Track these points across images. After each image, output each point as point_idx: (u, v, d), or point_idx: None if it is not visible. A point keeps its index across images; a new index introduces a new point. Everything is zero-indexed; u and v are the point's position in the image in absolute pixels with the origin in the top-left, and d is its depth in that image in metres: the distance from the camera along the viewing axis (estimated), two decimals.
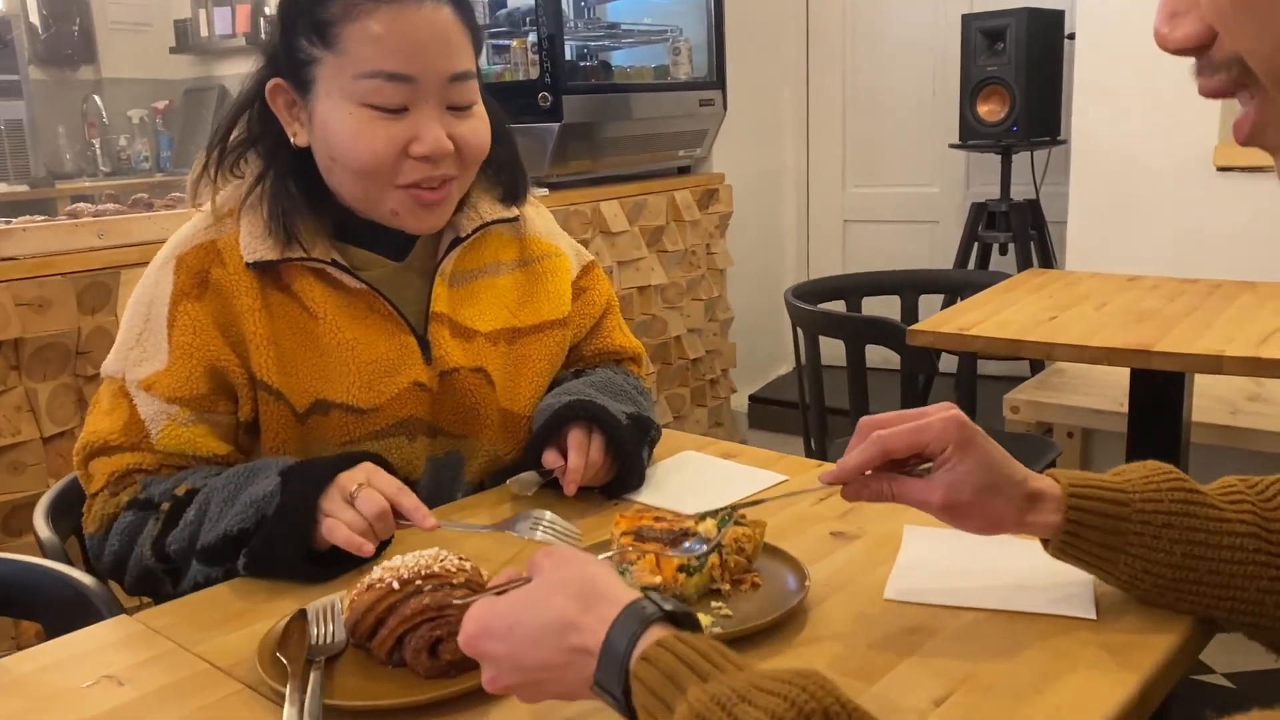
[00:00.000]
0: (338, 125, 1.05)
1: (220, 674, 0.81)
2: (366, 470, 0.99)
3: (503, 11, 3.04)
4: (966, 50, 3.13)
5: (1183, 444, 1.95)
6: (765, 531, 0.92)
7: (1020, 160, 3.27)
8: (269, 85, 1.08)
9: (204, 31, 4.64)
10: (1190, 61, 0.48)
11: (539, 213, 1.30)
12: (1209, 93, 0.48)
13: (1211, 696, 2.05)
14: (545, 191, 2.77)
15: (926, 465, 0.80)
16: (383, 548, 0.96)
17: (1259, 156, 2.44)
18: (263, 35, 4.33)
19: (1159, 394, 1.90)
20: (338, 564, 0.95)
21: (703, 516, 0.89)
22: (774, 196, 3.95)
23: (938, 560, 0.93)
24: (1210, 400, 2.41)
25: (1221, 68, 0.46)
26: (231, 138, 1.12)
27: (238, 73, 1.14)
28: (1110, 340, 1.73)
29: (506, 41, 2.95)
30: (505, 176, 1.22)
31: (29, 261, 1.77)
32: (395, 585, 0.79)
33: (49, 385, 1.79)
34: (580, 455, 1.09)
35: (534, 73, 2.81)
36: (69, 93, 4.47)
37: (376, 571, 0.81)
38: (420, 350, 1.12)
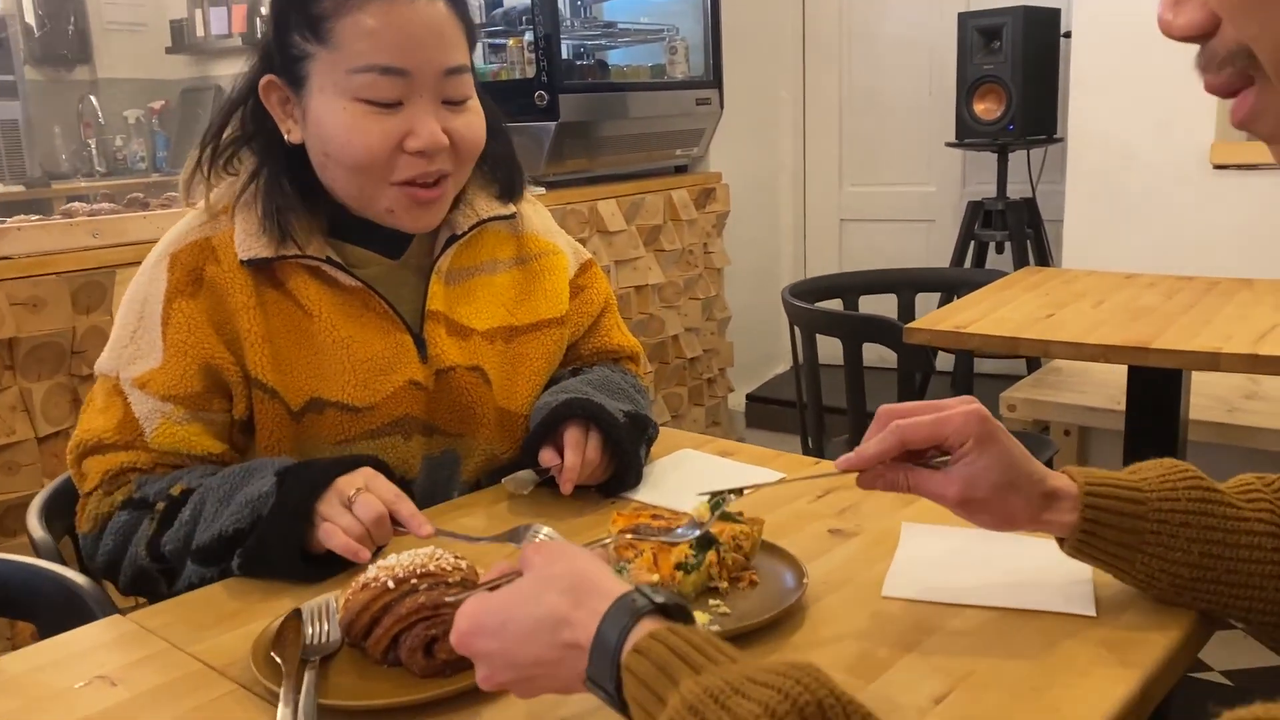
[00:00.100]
0: (331, 121, 1.04)
1: (214, 674, 0.80)
2: (365, 475, 0.98)
3: (499, 10, 3.03)
4: (963, 49, 3.13)
5: (1180, 442, 1.95)
6: (763, 529, 0.92)
7: (1017, 159, 3.27)
8: (262, 82, 1.08)
9: (200, 31, 4.62)
10: (1191, 58, 0.48)
11: (536, 210, 1.29)
12: (1215, 90, 0.47)
13: (1210, 694, 2.05)
14: (542, 190, 2.76)
15: (944, 458, 0.80)
16: (377, 551, 0.96)
17: (1255, 154, 2.43)
18: (259, 35, 4.31)
19: (1156, 391, 1.89)
20: (332, 564, 0.95)
21: (711, 496, 0.88)
22: (771, 195, 3.95)
23: (936, 557, 0.92)
24: (1207, 398, 2.40)
25: (1226, 61, 0.46)
26: (225, 135, 1.11)
27: (234, 73, 1.13)
28: (1107, 338, 1.73)
29: (503, 40, 2.95)
30: (501, 173, 1.22)
31: (23, 261, 1.76)
32: (390, 584, 0.79)
33: (44, 385, 1.79)
34: (577, 454, 1.09)
35: (530, 71, 2.80)
36: (65, 93, 4.46)
37: (371, 570, 0.81)
38: (416, 348, 1.12)
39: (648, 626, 0.59)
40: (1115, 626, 0.79)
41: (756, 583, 0.88)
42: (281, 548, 0.93)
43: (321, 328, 1.08)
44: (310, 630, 0.82)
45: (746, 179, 3.65)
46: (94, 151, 4.45)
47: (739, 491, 0.89)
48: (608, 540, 0.87)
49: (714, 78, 3.33)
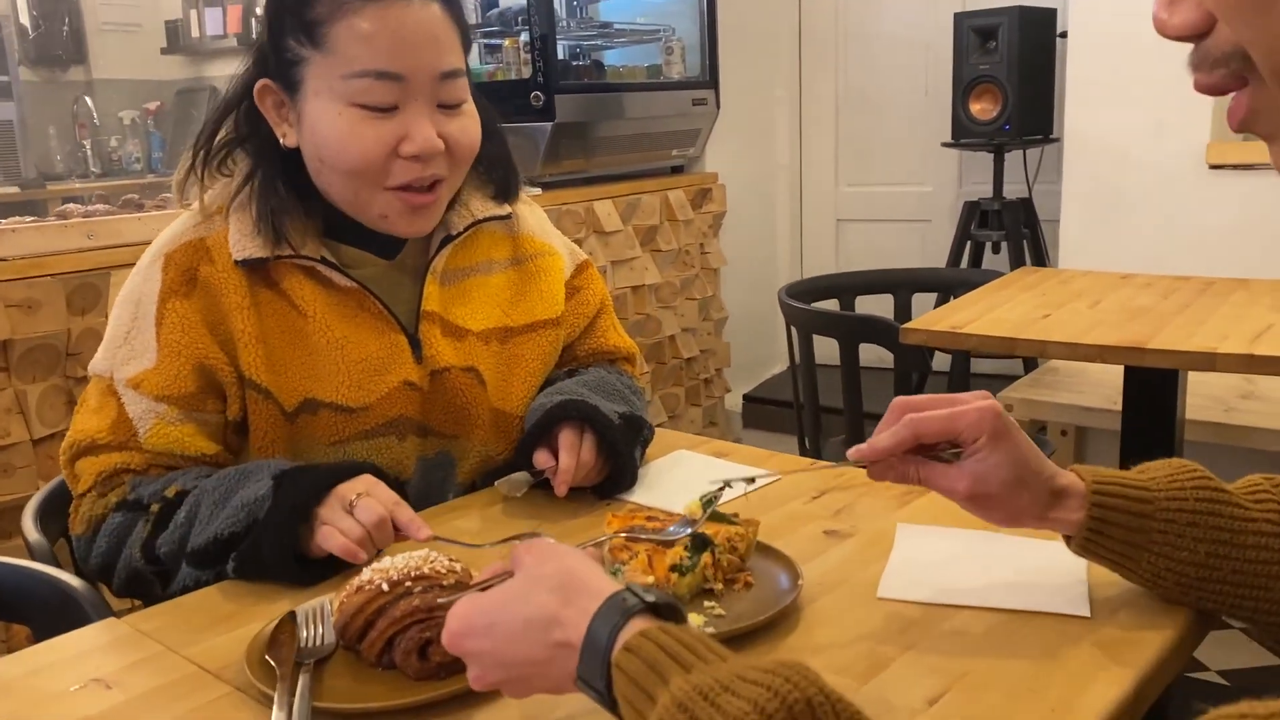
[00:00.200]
0: (327, 125, 1.04)
1: (209, 677, 0.80)
2: (366, 482, 0.98)
3: (494, 11, 3.03)
4: (959, 49, 3.13)
5: (1177, 442, 1.95)
6: (758, 530, 0.92)
7: (1013, 159, 3.27)
8: (257, 86, 1.07)
9: (195, 32, 4.62)
10: (1186, 54, 0.48)
11: (532, 211, 1.29)
12: (1205, 89, 0.47)
13: (1206, 694, 2.06)
14: (538, 191, 2.76)
15: (955, 450, 0.80)
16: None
17: (1251, 154, 2.43)
18: (254, 36, 4.31)
19: (1152, 392, 1.89)
20: (326, 567, 0.95)
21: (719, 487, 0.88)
22: (767, 196, 3.95)
23: (932, 559, 0.92)
24: (1204, 398, 2.41)
25: (1220, 63, 0.46)
26: (219, 137, 1.11)
27: (229, 74, 1.13)
28: (1103, 338, 1.73)
29: (499, 41, 2.95)
30: (497, 174, 1.21)
31: (18, 263, 1.76)
32: (385, 587, 0.79)
33: (38, 387, 1.78)
34: (571, 455, 1.08)
35: (526, 72, 2.80)
36: (59, 93, 4.46)
37: (366, 573, 0.81)
38: (411, 349, 1.12)
39: (638, 625, 0.59)
40: (1110, 627, 0.79)
41: (751, 584, 0.88)
42: (277, 551, 0.93)
43: (316, 328, 1.08)
44: (305, 633, 0.82)
45: (743, 179, 3.65)
46: (89, 152, 4.44)
47: (750, 480, 0.89)
48: (602, 539, 0.88)
49: (710, 78, 3.33)
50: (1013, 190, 3.24)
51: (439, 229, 1.16)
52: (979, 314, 1.96)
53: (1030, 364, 2.99)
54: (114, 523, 1.03)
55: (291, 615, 0.84)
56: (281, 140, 1.08)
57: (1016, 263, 3.09)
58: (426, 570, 0.80)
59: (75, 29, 4.45)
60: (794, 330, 2.29)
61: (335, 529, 0.93)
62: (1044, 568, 0.88)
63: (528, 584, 0.65)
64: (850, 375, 2.11)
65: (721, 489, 0.90)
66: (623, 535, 0.88)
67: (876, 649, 0.78)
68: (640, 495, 1.13)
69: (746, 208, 3.71)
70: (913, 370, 2.10)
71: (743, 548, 0.89)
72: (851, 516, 1.04)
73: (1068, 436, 2.75)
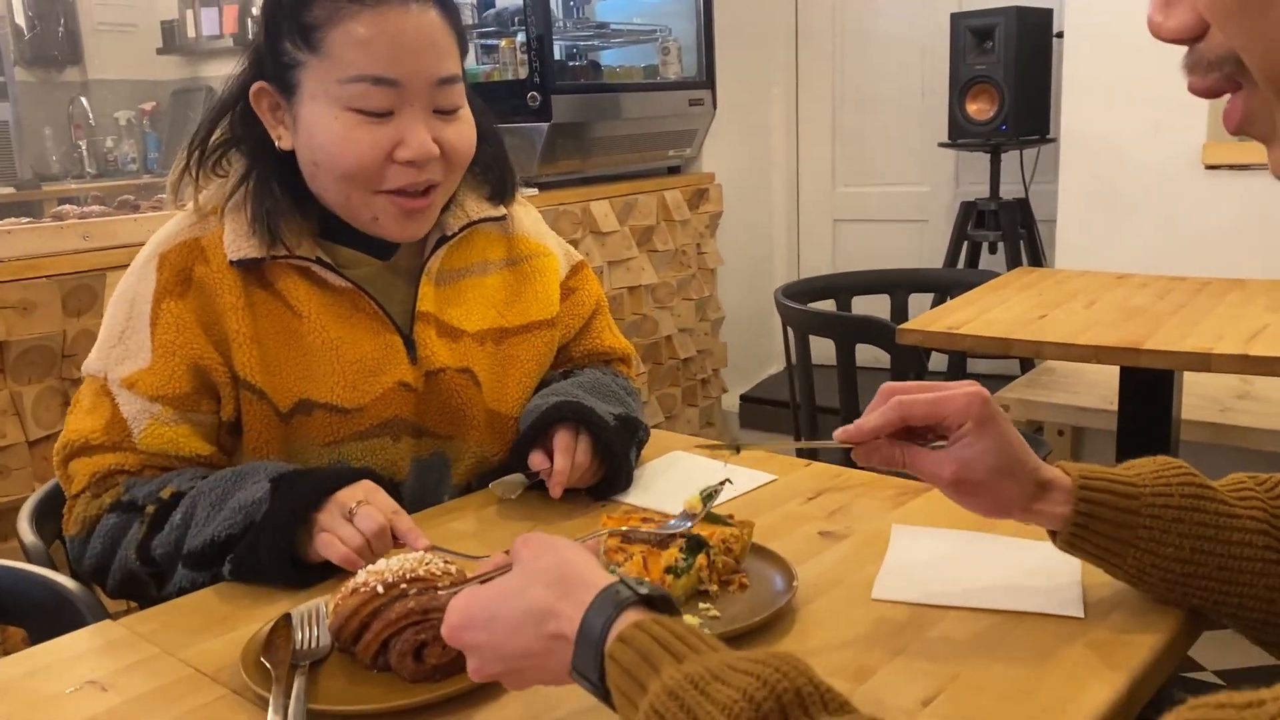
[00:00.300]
0: (322, 130, 1.04)
1: (205, 679, 0.80)
2: (366, 489, 0.98)
3: (491, 11, 3.03)
4: (955, 49, 3.13)
5: (1173, 442, 1.96)
6: (753, 532, 0.92)
7: (1009, 159, 3.27)
8: (253, 88, 1.07)
9: (191, 32, 4.61)
10: (1180, 55, 0.48)
11: (527, 212, 1.29)
12: (1199, 92, 0.48)
13: (1201, 694, 2.05)
14: (534, 191, 2.76)
15: (942, 443, 0.79)
16: None
17: (1247, 154, 2.44)
18: (250, 36, 4.31)
19: (1148, 392, 1.90)
20: (322, 570, 0.95)
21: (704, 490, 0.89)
22: (764, 196, 3.95)
23: (927, 560, 0.92)
24: (1199, 398, 2.41)
25: (1214, 66, 0.46)
26: (213, 138, 1.11)
27: (225, 74, 1.13)
28: (1099, 338, 1.73)
29: (495, 41, 2.95)
30: (493, 175, 1.21)
31: (14, 264, 1.76)
32: (380, 589, 0.79)
33: (34, 389, 1.78)
34: (566, 457, 1.08)
35: (523, 72, 2.80)
36: (55, 94, 4.45)
37: (361, 575, 0.81)
38: (406, 350, 1.12)
39: (631, 617, 0.60)
40: (1103, 628, 0.79)
41: (747, 586, 0.88)
42: (273, 555, 0.93)
43: (311, 328, 1.08)
44: (300, 635, 0.82)
45: (739, 179, 3.65)
46: (85, 153, 4.44)
47: (719, 486, 0.90)
48: (601, 531, 0.88)
49: (707, 78, 3.33)
50: (1009, 190, 3.24)
51: (434, 229, 1.16)
52: (975, 314, 1.97)
53: (1027, 364, 2.99)
54: (108, 524, 1.02)
55: (287, 617, 0.84)
56: (277, 143, 1.08)
57: (1013, 263, 3.09)
58: (422, 572, 0.80)
59: (71, 29, 4.44)
60: (790, 330, 2.29)
61: (335, 536, 0.93)
62: (1038, 569, 0.88)
63: (525, 578, 0.66)
64: (847, 375, 2.11)
65: (723, 483, 0.90)
66: (621, 530, 0.88)
67: (871, 650, 0.78)
68: (635, 497, 1.13)
69: (743, 208, 3.71)
70: (909, 371, 2.10)
71: (738, 549, 0.89)
72: (847, 518, 1.04)
73: (1064, 436, 2.75)
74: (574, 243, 2.39)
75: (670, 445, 1.28)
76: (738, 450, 0.90)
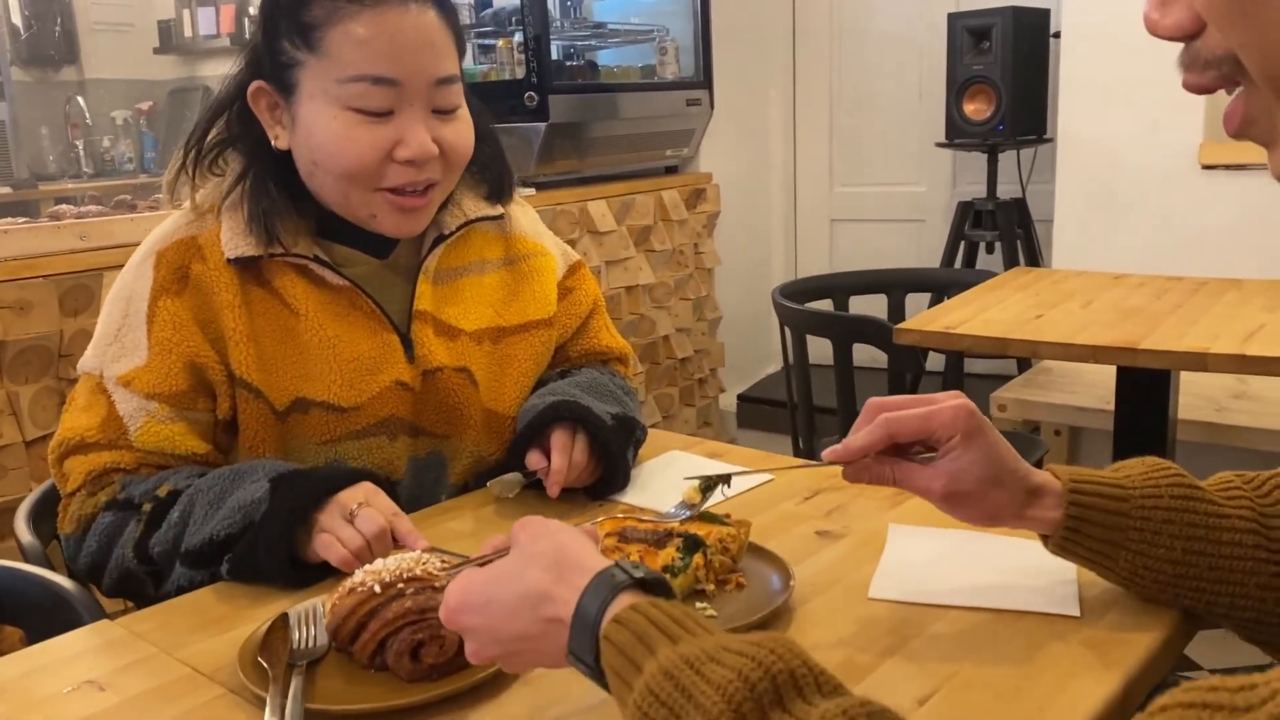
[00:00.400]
0: (321, 129, 1.04)
1: (202, 679, 0.80)
2: (366, 491, 0.98)
3: (488, 11, 3.03)
4: (953, 49, 3.13)
5: (1169, 441, 1.96)
6: (750, 531, 0.92)
7: (1006, 159, 3.27)
8: (251, 88, 1.07)
9: (188, 32, 4.61)
10: (1177, 53, 0.48)
11: (524, 211, 1.29)
12: (1194, 89, 0.48)
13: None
14: (532, 191, 2.76)
15: (930, 455, 0.80)
16: None
17: (1243, 154, 2.44)
18: (247, 35, 4.30)
19: (1145, 391, 1.90)
20: (320, 570, 0.95)
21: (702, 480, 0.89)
22: (761, 196, 3.95)
23: (922, 559, 0.93)
24: (1196, 398, 2.41)
25: (1211, 65, 0.46)
26: (210, 138, 1.11)
27: (222, 73, 1.13)
28: (1096, 338, 1.73)
29: (492, 41, 2.95)
30: (490, 175, 1.22)
31: (11, 264, 1.76)
32: (377, 589, 0.79)
33: (31, 388, 1.78)
34: (563, 456, 1.09)
35: (520, 72, 2.80)
36: (52, 94, 4.44)
37: (358, 575, 0.81)
38: (403, 348, 1.12)
39: (627, 600, 0.60)
40: (1099, 627, 0.79)
41: (743, 585, 0.88)
42: (272, 555, 0.93)
43: (308, 327, 1.08)
44: (297, 635, 0.82)
45: (737, 179, 3.65)
46: (81, 153, 4.43)
47: (719, 479, 0.90)
48: (599, 518, 0.88)
49: (704, 78, 3.33)
50: (1006, 190, 3.24)
51: (431, 228, 1.16)
52: (972, 314, 1.97)
53: (1024, 364, 3.00)
54: (104, 522, 1.02)
55: (284, 617, 0.84)
56: (274, 142, 1.08)
57: (1010, 263, 3.09)
58: (419, 572, 0.80)
59: (67, 29, 4.44)
60: (788, 330, 2.29)
61: (335, 538, 0.93)
62: (1034, 568, 0.88)
63: (521, 561, 0.66)
64: (844, 375, 2.12)
65: (724, 476, 0.91)
66: (618, 518, 0.88)
67: (867, 649, 0.78)
68: (633, 496, 1.13)
69: (741, 208, 3.71)
70: (906, 371, 2.10)
71: (735, 549, 0.90)
72: (843, 517, 1.04)
73: (1061, 436, 2.76)
74: (571, 242, 2.38)
75: (667, 445, 1.29)
76: (728, 481, 0.91)
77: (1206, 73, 0.47)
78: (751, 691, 0.52)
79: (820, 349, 2.21)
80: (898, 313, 2.54)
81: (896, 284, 2.62)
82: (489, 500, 1.13)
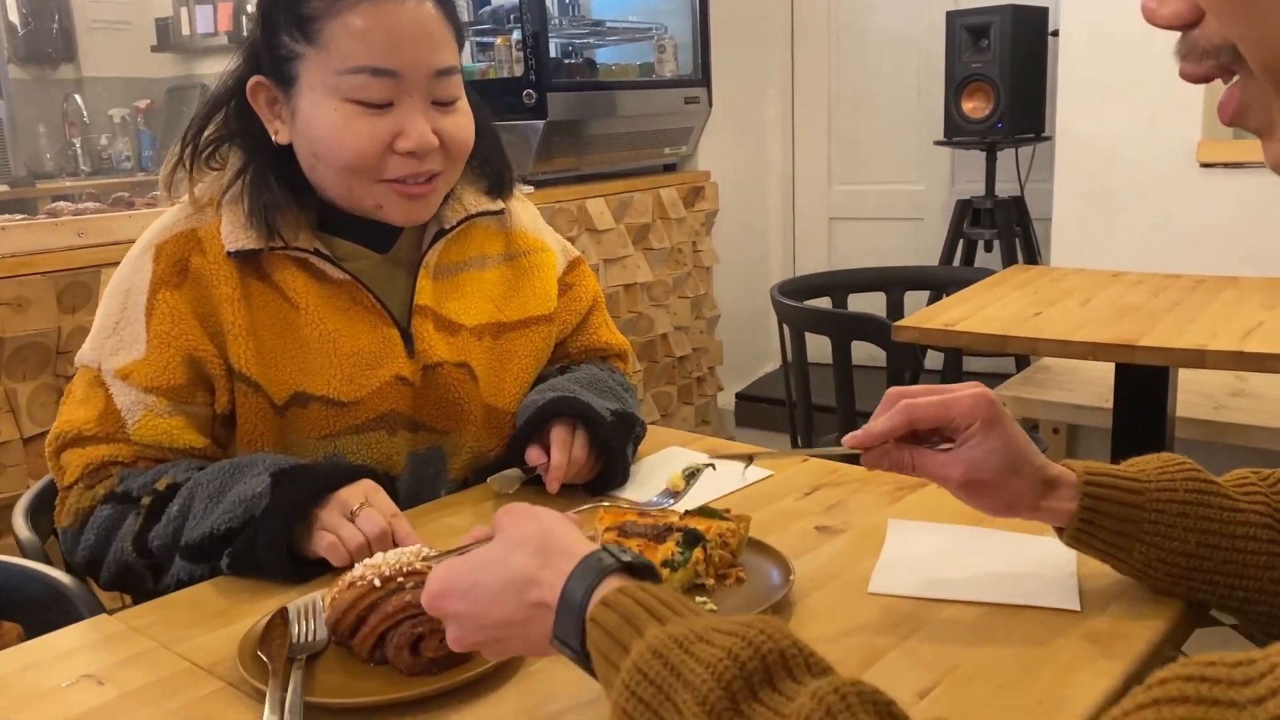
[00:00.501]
0: (321, 121, 1.04)
1: (201, 672, 0.80)
2: (367, 489, 0.98)
3: (487, 9, 3.03)
4: (951, 47, 3.14)
5: (1168, 439, 1.96)
6: (750, 526, 0.92)
7: (1005, 157, 3.28)
8: (250, 83, 1.07)
9: (185, 30, 4.60)
10: (1174, 49, 0.48)
11: (525, 208, 1.29)
12: (1191, 78, 0.48)
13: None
14: (530, 189, 2.76)
15: (947, 445, 0.80)
16: None
17: (1241, 153, 2.44)
18: (245, 33, 4.29)
19: (1144, 388, 1.90)
20: (320, 565, 0.94)
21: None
22: (760, 194, 3.95)
23: (922, 554, 0.93)
24: (1194, 395, 2.42)
25: (1209, 54, 0.46)
26: (207, 133, 1.11)
27: (220, 71, 1.13)
28: (1095, 335, 1.73)
29: (491, 39, 2.95)
30: (490, 170, 1.22)
31: (8, 261, 1.76)
32: (377, 583, 0.79)
33: (29, 385, 1.78)
34: (563, 452, 1.08)
35: (518, 70, 2.80)
36: (49, 92, 4.44)
37: (358, 569, 0.81)
38: (403, 343, 1.12)
39: (614, 583, 0.60)
40: (1099, 621, 0.79)
41: (743, 579, 0.88)
42: (271, 549, 0.93)
43: (308, 321, 1.08)
44: (297, 629, 0.82)
45: (735, 177, 3.65)
46: (79, 151, 4.43)
47: (703, 466, 0.90)
48: (584, 507, 0.88)
49: (702, 76, 3.33)
50: (1005, 188, 3.24)
51: (432, 223, 1.16)
52: (971, 311, 1.97)
53: (1022, 362, 3.00)
54: (102, 515, 1.02)
55: (284, 611, 0.84)
56: (274, 137, 1.08)
57: (1008, 261, 3.09)
58: (419, 566, 0.80)
59: (65, 27, 4.43)
60: (786, 328, 2.29)
61: (336, 537, 0.93)
62: (1034, 562, 0.88)
63: (507, 546, 0.66)
64: (843, 373, 2.12)
65: (708, 464, 0.91)
66: (604, 508, 0.88)
67: (868, 643, 0.78)
68: (632, 492, 1.13)
69: (739, 206, 3.71)
70: (905, 368, 2.10)
71: (734, 543, 0.90)
72: (843, 512, 1.04)
73: (1059, 434, 2.76)
74: (569, 240, 2.38)
75: (667, 441, 1.28)
76: (751, 460, 0.92)
77: (1204, 62, 0.47)
78: (741, 670, 0.52)
79: (818, 348, 2.21)
80: (896, 311, 2.55)
81: (895, 282, 2.62)
82: (488, 496, 1.13)
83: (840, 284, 2.62)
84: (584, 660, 0.60)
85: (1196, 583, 0.78)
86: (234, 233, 1.06)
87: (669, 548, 0.86)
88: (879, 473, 1.11)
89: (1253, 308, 1.89)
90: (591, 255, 2.89)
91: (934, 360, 2.20)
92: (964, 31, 3.10)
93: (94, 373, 1.06)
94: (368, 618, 0.78)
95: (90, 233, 1.87)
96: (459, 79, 1.09)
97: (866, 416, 0.84)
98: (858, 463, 0.84)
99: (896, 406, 0.80)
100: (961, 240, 3.24)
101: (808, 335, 2.24)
